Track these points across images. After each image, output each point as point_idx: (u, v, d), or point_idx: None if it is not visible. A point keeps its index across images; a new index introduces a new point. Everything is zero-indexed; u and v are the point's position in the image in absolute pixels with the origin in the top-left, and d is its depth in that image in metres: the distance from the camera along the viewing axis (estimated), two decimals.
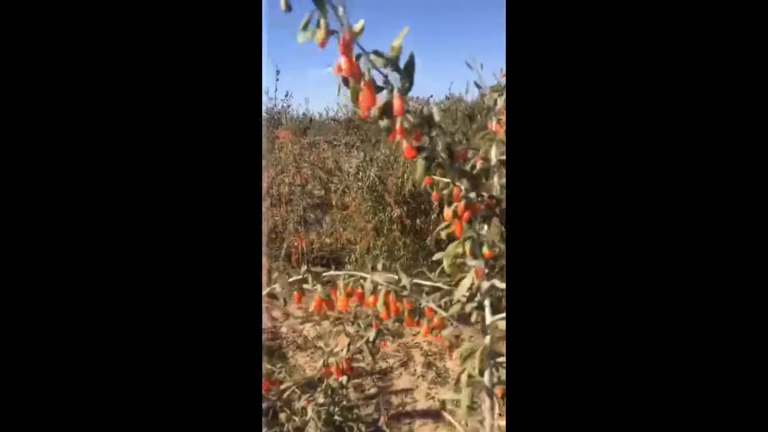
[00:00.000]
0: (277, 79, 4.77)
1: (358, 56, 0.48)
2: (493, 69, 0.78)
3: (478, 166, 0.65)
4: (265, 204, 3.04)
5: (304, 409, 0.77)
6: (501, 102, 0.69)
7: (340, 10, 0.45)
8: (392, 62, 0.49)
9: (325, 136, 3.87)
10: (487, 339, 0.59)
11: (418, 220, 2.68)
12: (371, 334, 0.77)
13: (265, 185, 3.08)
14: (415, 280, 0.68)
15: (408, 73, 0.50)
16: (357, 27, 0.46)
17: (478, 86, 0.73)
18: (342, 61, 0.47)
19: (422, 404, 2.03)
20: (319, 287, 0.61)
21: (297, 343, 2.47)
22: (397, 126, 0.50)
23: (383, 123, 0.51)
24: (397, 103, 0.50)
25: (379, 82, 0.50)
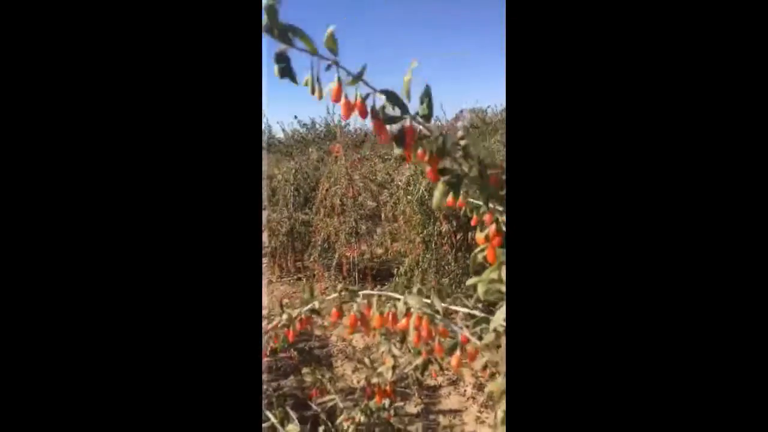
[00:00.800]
0: None
1: (366, 96, 0.49)
2: None
3: None
4: (320, 215, 3.17)
5: (343, 424, 0.77)
6: None
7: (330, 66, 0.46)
8: (396, 98, 0.49)
9: (379, 149, 3.95)
10: None
11: (469, 234, 2.61)
12: (419, 360, 0.75)
13: (319, 197, 3.21)
14: (452, 306, 0.65)
15: (425, 103, 0.50)
16: (357, 72, 0.47)
17: None
18: (341, 107, 0.48)
19: (472, 427, 1.94)
20: (354, 305, 0.61)
21: (345, 352, 2.51)
22: (412, 153, 0.51)
23: (397, 151, 0.51)
24: (408, 133, 0.50)
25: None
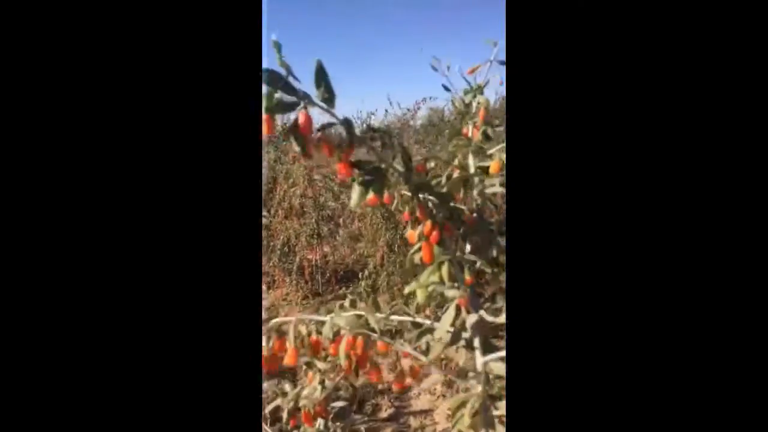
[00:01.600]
0: None
1: None
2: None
3: (455, 175, 0.55)
4: (278, 217, 3.02)
5: None
6: (476, 104, 0.60)
7: None
8: (278, 80, 0.41)
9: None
10: (479, 387, 0.48)
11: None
12: (340, 377, 0.66)
13: (277, 198, 3.06)
14: (394, 317, 0.57)
15: (320, 82, 0.41)
16: None
17: (447, 89, 0.64)
18: None
19: (443, 426, 1.89)
20: (290, 332, 0.51)
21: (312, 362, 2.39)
22: (313, 147, 0.42)
23: (295, 146, 0.42)
24: (301, 120, 0.41)
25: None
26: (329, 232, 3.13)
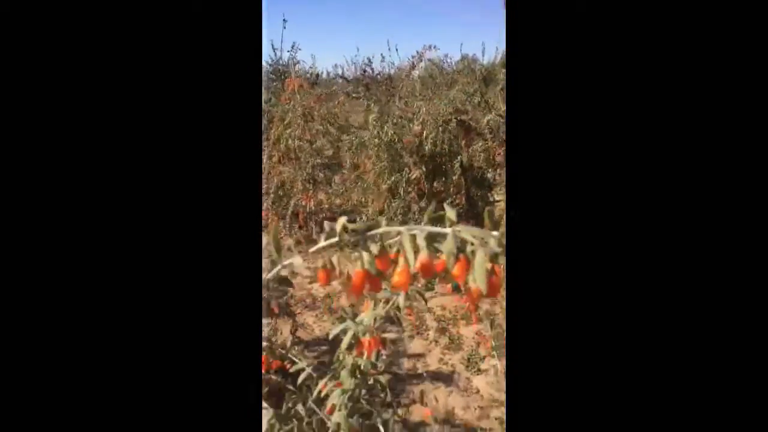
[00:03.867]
0: (284, 27, 4.31)
1: None
2: None
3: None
4: (272, 160, 2.87)
5: (321, 394, 0.64)
6: None
7: None
8: None
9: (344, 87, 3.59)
10: None
11: (435, 183, 2.52)
12: (400, 297, 0.64)
13: (271, 140, 2.88)
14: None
15: None
16: None
17: None
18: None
19: (434, 367, 1.99)
20: (335, 258, 0.40)
21: (305, 302, 2.41)
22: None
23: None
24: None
25: None
26: (325, 178, 3.03)
